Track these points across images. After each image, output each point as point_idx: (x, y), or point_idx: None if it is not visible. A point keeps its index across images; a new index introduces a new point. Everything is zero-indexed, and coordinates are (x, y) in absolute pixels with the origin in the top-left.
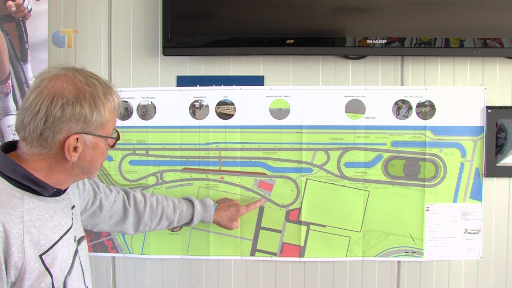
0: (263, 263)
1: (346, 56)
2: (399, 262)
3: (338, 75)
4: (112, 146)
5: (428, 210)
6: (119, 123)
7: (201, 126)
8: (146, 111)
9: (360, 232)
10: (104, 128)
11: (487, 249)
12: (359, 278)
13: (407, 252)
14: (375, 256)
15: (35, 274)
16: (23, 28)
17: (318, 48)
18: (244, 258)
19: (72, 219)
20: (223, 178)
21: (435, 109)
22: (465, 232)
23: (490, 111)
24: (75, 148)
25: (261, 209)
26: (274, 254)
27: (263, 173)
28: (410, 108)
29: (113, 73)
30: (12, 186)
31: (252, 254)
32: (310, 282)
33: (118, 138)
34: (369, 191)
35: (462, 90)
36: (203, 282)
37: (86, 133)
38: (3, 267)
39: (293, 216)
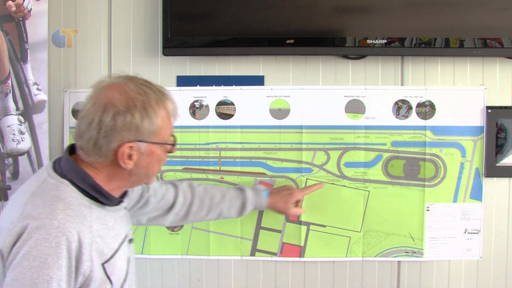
0: (263, 263)
1: (346, 56)
2: (399, 262)
3: (338, 75)
4: (170, 152)
5: (428, 210)
6: None
7: (201, 126)
8: None
9: (360, 232)
10: (158, 135)
11: (487, 249)
12: (359, 278)
13: (407, 252)
14: (375, 256)
15: (98, 282)
16: (23, 28)
17: (318, 48)
18: (244, 258)
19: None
20: (223, 178)
21: (435, 109)
22: (465, 232)
23: (490, 111)
24: (130, 156)
25: None
26: (274, 254)
27: (263, 173)
28: (410, 108)
29: (113, 73)
30: (82, 195)
31: (252, 254)
32: (310, 282)
33: (174, 143)
34: (369, 191)
35: (462, 90)
36: (203, 282)
37: (140, 141)
38: (73, 275)
39: (293, 216)
